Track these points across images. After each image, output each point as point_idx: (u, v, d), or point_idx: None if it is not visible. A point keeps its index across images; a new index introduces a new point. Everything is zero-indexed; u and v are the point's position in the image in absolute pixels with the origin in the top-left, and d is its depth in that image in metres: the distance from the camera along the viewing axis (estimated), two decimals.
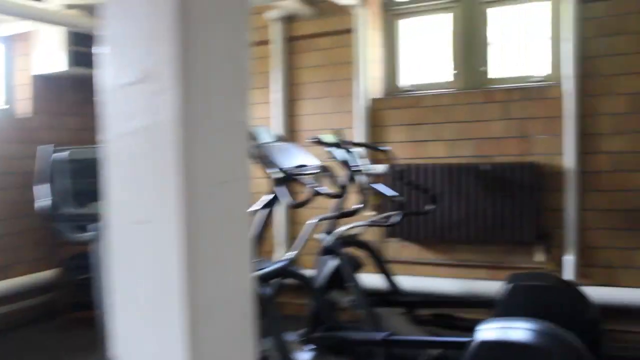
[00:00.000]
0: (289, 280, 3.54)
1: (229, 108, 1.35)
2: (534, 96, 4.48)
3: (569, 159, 4.31)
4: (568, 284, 3.56)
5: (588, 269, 4.30)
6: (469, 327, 2.93)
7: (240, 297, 1.38)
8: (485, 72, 4.80)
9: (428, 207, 4.23)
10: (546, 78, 4.58)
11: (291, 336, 3.22)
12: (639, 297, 4.15)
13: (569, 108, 4.30)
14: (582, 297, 3.28)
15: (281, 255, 3.55)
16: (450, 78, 4.93)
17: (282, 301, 4.67)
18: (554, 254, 4.39)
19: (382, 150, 4.45)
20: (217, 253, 1.31)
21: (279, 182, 2.96)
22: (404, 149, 4.83)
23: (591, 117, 4.28)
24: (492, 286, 3.93)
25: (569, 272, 4.28)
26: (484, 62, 4.81)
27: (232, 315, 1.36)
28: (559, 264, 4.35)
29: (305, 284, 3.41)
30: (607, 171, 4.27)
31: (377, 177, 4.42)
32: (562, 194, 4.35)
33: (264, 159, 2.97)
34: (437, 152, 4.77)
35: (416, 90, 5.04)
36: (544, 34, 4.63)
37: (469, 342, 2.53)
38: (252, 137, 3.03)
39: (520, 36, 4.80)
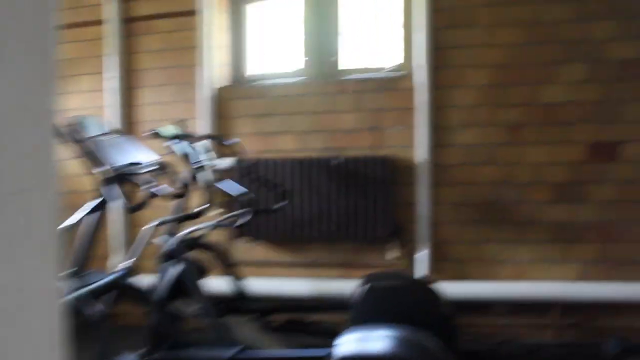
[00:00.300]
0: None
1: (28, 97, 1.00)
2: (386, 87, 4.35)
3: (421, 152, 4.22)
4: (421, 281, 3.47)
5: (441, 264, 4.25)
6: (325, 332, 2.77)
7: (48, 338, 1.04)
8: (337, 62, 4.61)
9: (278, 204, 3.99)
10: (398, 68, 4.46)
11: (128, 358, 2.84)
12: (488, 290, 4.16)
13: (421, 100, 4.21)
14: (435, 295, 3.21)
15: (117, 265, 3.13)
16: (301, 67, 4.69)
17: (122, 311, 4.24)
18: (408, 250, 4.29)
19: (228, 144, 4.13)
20: (9, 287, 0.96)
21: (108, 182, 2.57)
22: (252, 142, 4.54)
23: (443, 109, 4.22)
24: (346, 286, 3.78)
25: (422, 268, 4.20)
26: (335, 51, 4.62)
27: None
28: (412, 260, 4.26)
29: (143, 296, 3.02)
30: (458, 164, 4.22)
31: (224, 173, 4.11)
32: (414, 188, 4.26)
33: (91, 156, 2.56)
34: (287, 145, 4.52)
35: (265, 79, 4.75)
36: (396, 24, 4.50)
37: (328, 355, 2.37)
38: (78, 129, 2.61)
39: (372, 25, 4.65)
